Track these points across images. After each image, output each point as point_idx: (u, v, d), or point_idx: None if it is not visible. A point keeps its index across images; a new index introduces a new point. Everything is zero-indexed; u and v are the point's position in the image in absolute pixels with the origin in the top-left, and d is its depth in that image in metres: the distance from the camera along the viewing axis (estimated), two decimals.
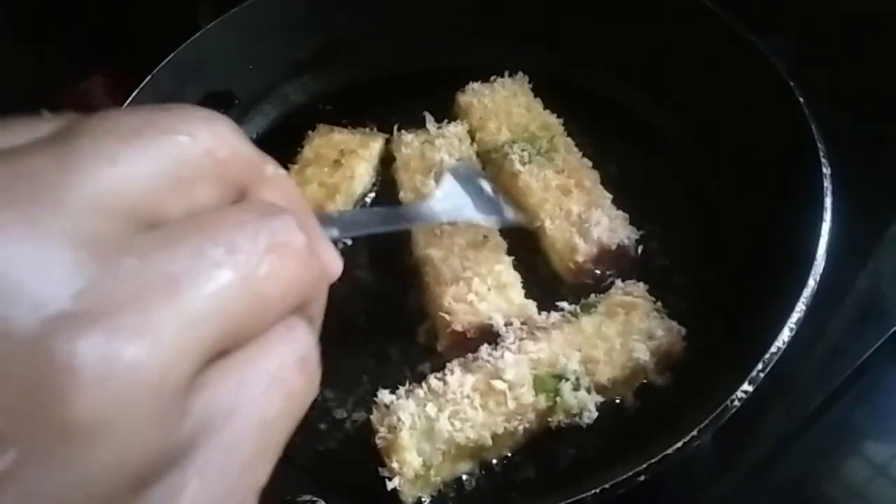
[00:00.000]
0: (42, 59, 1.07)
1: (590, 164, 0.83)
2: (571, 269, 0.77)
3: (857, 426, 0.72)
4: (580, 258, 0.76)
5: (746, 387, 0.58)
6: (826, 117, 0.71)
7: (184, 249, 0.19)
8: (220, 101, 0.94)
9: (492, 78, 0.91)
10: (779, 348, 0.59)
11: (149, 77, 0.86)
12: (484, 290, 0.73)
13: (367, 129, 0.91)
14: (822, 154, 0.69)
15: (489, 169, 0.85)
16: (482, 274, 0.74)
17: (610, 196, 0.80)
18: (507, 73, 0.91)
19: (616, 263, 0.77)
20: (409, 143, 0.87)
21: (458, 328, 0.71)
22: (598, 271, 0.77)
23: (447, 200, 0.75)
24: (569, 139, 0.86)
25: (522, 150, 0.83)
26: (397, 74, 0.97)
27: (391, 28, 0.96)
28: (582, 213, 0.77)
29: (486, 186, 0.80)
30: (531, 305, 0.73)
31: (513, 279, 0.75)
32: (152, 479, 0.18)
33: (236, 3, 0.91)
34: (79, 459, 0.17)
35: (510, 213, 0.79)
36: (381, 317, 0.78)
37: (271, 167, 0.24)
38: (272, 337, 0.21)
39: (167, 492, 0.18)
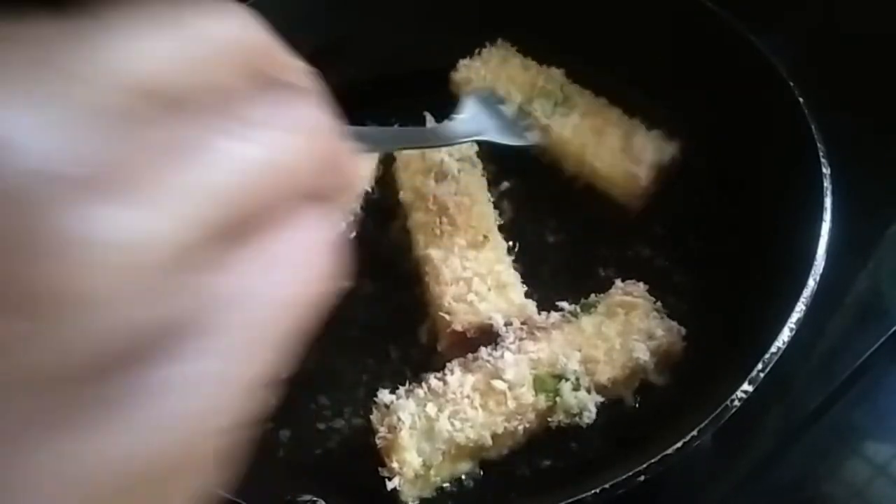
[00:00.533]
0: None
1: (606, 101, 0.86)
2: (638, 196, 0.80)
3: (857, 426, 0.72)
4: (644, 182, 0.79)
5: (746, 387, 0.58)
6: (826, 117, 0.71)
7: (197, 122, 0.18)
8: None
9: (476, 51, 0.92)
10: (779, 348, 0.59)
11: None
12: (484, 290, 0.73)
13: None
14: (821, 154, 0.69)
15: None
16: (482, 274, 0.74)
17: (640, 124, 0.83)
18: (487, 43, 0.93)
19: (667, 176, 0.81)
20: None
21: (459, 328, 0.71)
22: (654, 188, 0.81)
23: (469, 123, 0.77)
24: (576, 85, 0.88)
25: (541, 105, 0.85)
26: (398, 74, 0.96)
27: (392, 28, 0.96)
28: (624, 145, 0.81)
29: (507, 111, 0.83)
30: (531, 305, 0.73)
31: (513, 279, 0.75)
32: (151, 355, 0.17)
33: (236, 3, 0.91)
34: (68, 324, 0.16)
35: (533, 136, 0.83)
36: (380, 317, 0.78)
37: (295, 60, 0.23)
38: (286, 222, 0.20)
39: (172, 368, 0.17)
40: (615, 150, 0.81)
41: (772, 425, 0.72)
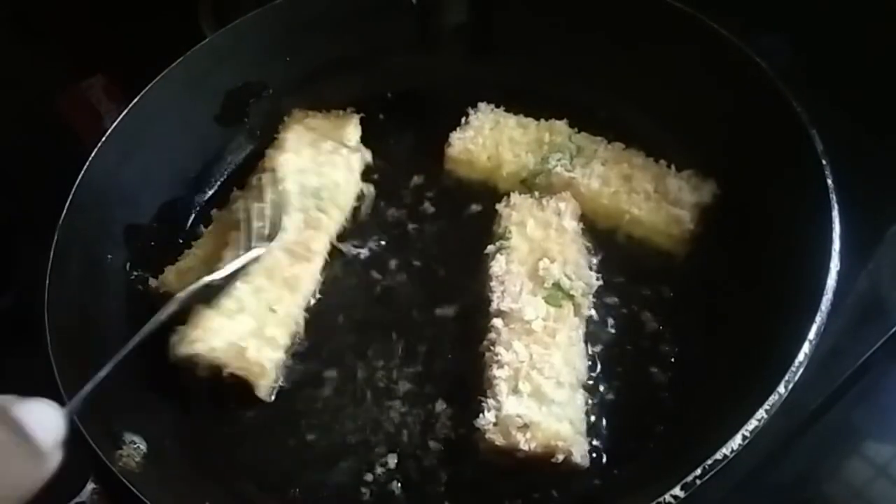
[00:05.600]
0: (42, 59, 1.07)
1: (622, 145, 0.83)
2: (686, 240, 0.77)
3: (857, 426, 0.72)
4: (690, 225, 0.76)
5: (677, 492, 0.54)
6: (826, 117, 0.71)
7: None
8: (251, 91, 0.94)
9: (462, 120, 0.87)
10: (725, 456, 0.55)
11: (180, 59, 0.85)
12: None
13: (341, 112, 0.90)
14: (835, 254, 0.64)
15: (541, 193, 0.81)
16: None
17: (665, 162, 0.80)
18: (469, 109, 0.88)
19: (710, 216, 0.78)
20: None
21: None
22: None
23: None
24: (583, 133, 0.85)
25: (558, 161, 0.82)
26: (430, 88, 0.95)
27: (428, 42, 0.96)
28: (657, 188, 0.78)
29: None
30: None
31: None
32: None
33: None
34: None
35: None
36: None
37: None
38: None
39: None
40: (650, 194, 0.77)
41: (772, 425, 0.72)
